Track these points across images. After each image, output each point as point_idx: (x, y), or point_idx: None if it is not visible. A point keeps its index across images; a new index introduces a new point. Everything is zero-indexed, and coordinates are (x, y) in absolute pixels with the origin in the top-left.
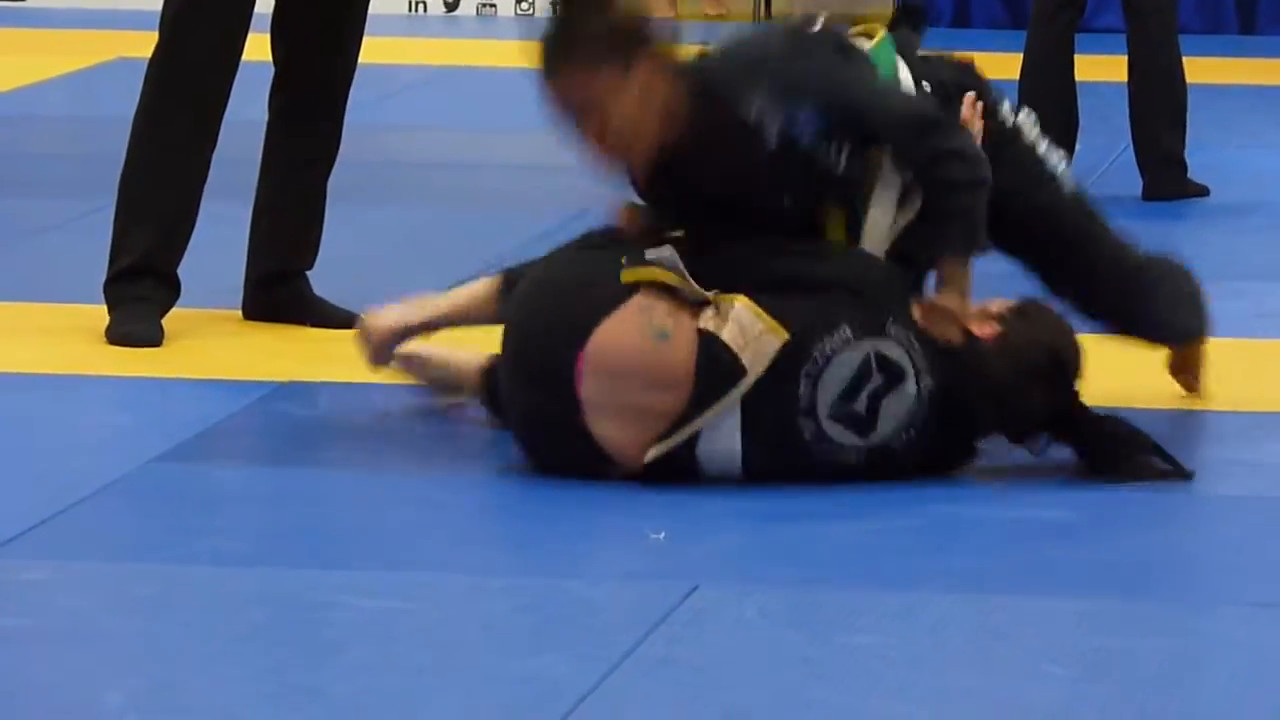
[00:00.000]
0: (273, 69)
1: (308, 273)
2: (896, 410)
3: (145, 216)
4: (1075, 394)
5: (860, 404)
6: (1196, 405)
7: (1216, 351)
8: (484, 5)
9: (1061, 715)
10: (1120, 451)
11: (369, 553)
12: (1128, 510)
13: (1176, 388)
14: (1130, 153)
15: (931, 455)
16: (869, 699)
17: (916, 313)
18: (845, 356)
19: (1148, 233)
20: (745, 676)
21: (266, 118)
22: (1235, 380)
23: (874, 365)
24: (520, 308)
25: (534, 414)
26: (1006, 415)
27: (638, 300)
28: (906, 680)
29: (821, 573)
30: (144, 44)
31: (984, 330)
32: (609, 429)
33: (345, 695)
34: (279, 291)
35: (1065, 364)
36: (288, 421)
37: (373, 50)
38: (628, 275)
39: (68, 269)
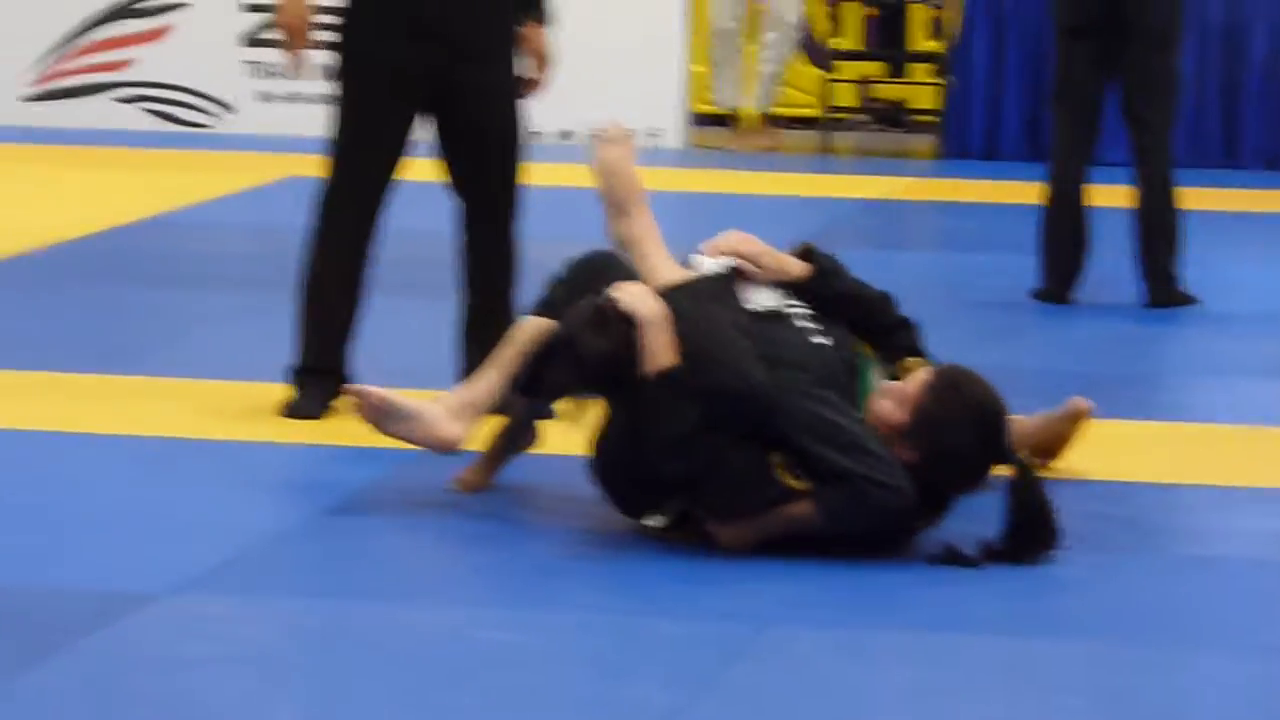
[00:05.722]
0: (458, 203)
1: None
2: None
3: (315, 325)
4: (1010, 452)
5: None
6: (1174, 481)
7: (1194, 435)
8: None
9: None
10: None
11: (494, 592)
12: (1120, 567)
13: (1161, 465)
14: (1134, 268)
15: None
16: None
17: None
18: None
19: (1147, 334)
20: (811, 704)
21: (459, 240)
22: (1208, 460)
23: None
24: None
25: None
26: (952, 483)
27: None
28: (946, 709)
29: (871, 616)
30: (311, 165)
31: (896, 416)
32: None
33: (472, 717)
34: None
35: (991, 425)
36: (425, 482)
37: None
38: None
39: (241, 351)
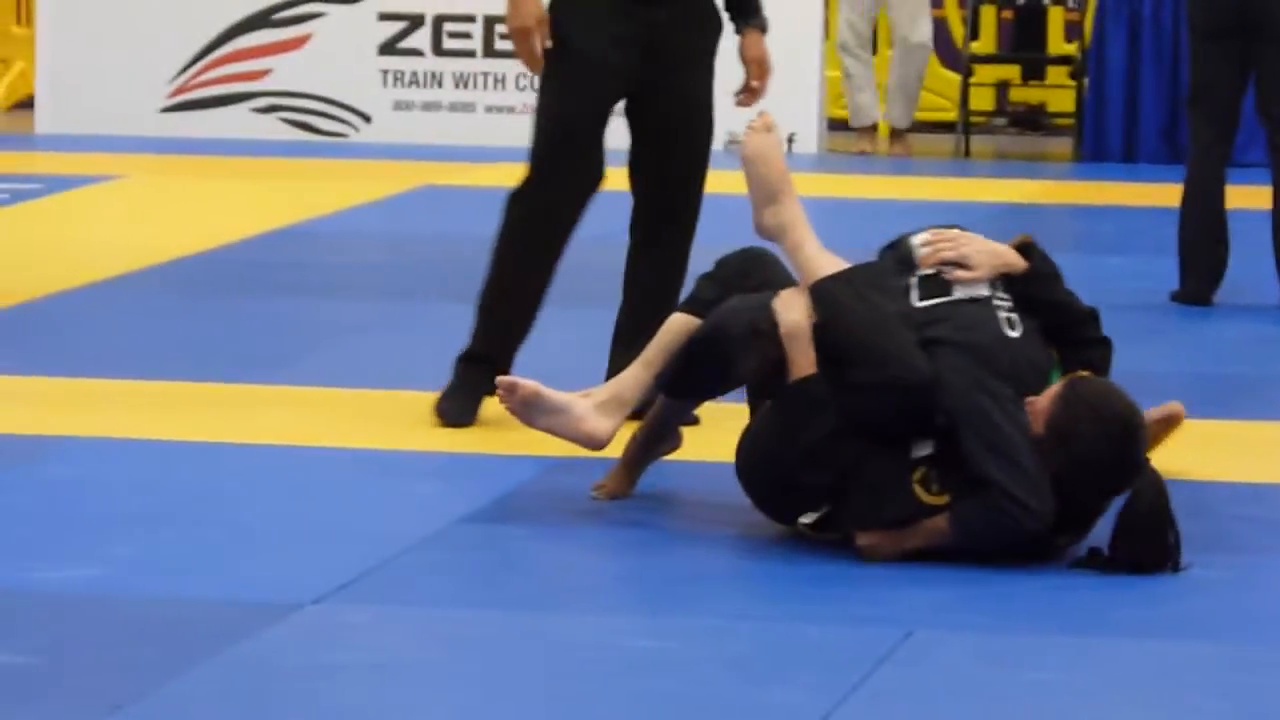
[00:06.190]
0: (631, 201)
1: None
2: None
3: (494, 318)
4: (1145, 459)
5: None
6: None
7: None
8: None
9: None
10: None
11: (638, 599)
12: (1260, 569)
13: None
14: (1272, 269)
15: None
16: None
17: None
18: None
19: None
20: (957, 708)
21: (628, 242)
22: None
23: None
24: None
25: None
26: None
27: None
28: (1087, 712)
29: (1015, 621)
30: (445, 174)
31: (1033, 431)
32: None
33: None
34: None
35: (1121, 433)
36: (568, 490)
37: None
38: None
39: (380, 360)
